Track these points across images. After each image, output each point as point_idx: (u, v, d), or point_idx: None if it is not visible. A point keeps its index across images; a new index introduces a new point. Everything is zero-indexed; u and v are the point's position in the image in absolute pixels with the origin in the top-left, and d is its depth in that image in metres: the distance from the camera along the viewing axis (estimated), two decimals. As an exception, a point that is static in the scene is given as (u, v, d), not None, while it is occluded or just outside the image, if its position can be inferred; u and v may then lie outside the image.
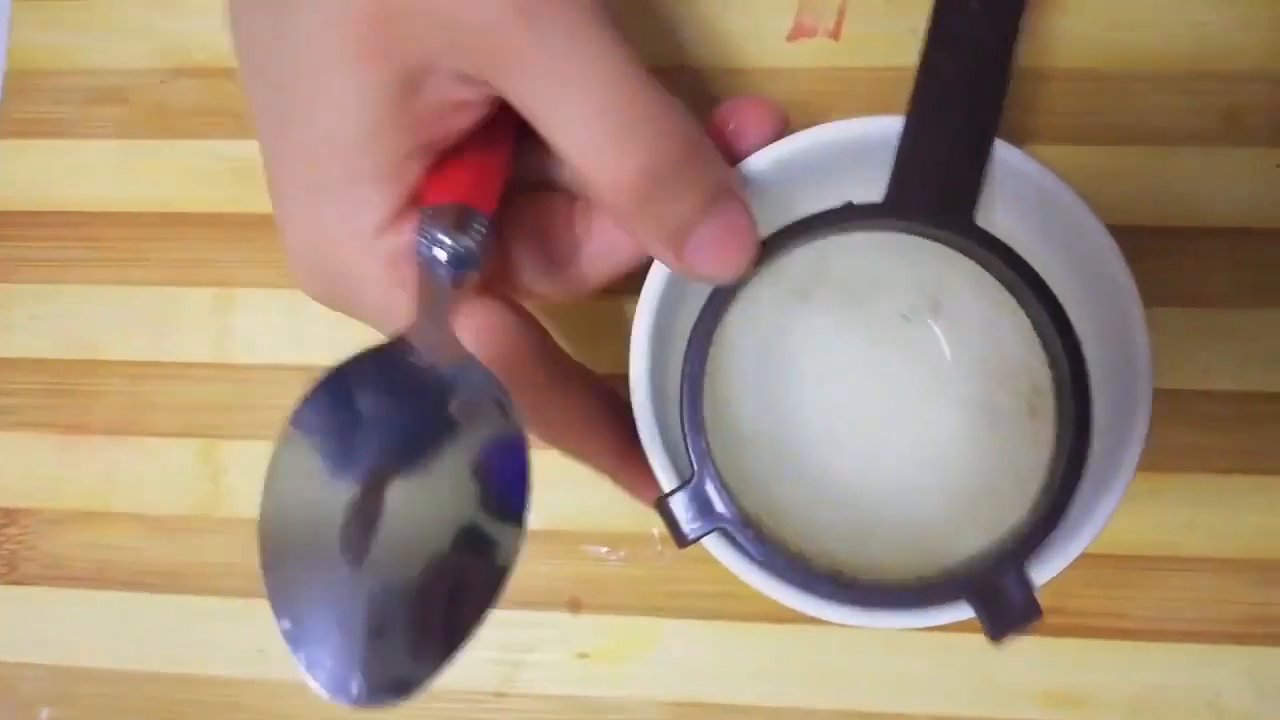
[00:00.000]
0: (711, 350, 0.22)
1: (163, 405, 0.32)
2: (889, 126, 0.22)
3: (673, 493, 0.22)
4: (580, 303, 0.25)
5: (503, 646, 0.30)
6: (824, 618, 0.22)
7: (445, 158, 0.22)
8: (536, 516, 0.30)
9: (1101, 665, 0.29)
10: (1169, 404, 0.29)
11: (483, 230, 0.21)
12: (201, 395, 0.32)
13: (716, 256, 0.20)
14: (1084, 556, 0.28)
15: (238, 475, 0.31)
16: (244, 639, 0.31)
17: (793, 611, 0.29)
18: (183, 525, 0.31)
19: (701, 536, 0.22)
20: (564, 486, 0.30)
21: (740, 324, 0.24)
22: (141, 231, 0.32)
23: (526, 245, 0.24)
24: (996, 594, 0.21)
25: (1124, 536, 0.29)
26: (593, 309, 0.31)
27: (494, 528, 0.20)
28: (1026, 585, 0.21)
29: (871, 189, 0.22)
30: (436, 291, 0.21)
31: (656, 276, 0.24)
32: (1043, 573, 0.22)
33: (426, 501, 0.20)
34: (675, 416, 0.22)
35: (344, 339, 0.31)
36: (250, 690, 0.30)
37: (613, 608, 0.30)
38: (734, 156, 0.23)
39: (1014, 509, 0.22)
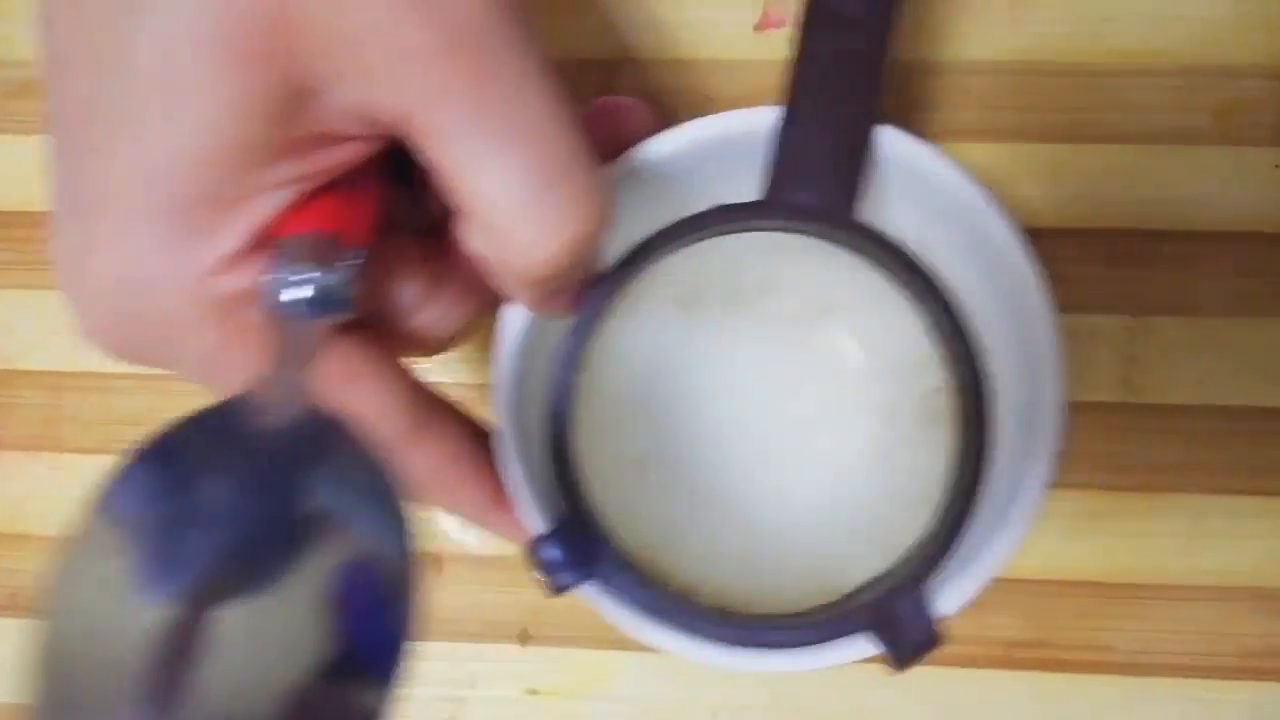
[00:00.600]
0: (587, 372, 0.20)
1: (81, 419, 0.29)
2: (770, 118, 0.20)
3: (542, 539, 0.20)
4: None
5: (446, 682, 0.28)
6: (711, 664, 0.20)
7: (314, 195, 0.18)
8: (484, 542, 0.28)
9: (1089, 703, 0.26)
10: (1161, 419, 0.27)
11: (353, 265, 0.18)
12: (123, 408, 0.29)
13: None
14: (1068, 584, 0.27)
15: (160, 495, 0.29)
16: (165, 673, 0.28)
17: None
18: (100, 549, 0.29)
19: (573, 586, 0.20)
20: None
21: (622, 340, 0.22)
22: (63, 233, 0.30)
23: (384, 288, 0.21)
24: (895, 624, 0.19)
25: (1112, 562, 0.27)
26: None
27: (371, 653, 0.15)
28: (923, 611, 0.19)
29: (754, 185, 0.20)
30: (293, 339, 0.17)
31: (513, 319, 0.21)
32: (951, 598, 0.20)
33: (273, 624, 0.15)
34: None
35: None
36: (171, 729, 0.28)
37: (565, 640, 0.28)
38: (604, 157, 0.21)
39: (917, 525, 0.20)
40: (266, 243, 0.18)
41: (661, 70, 0.30)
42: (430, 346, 0.21)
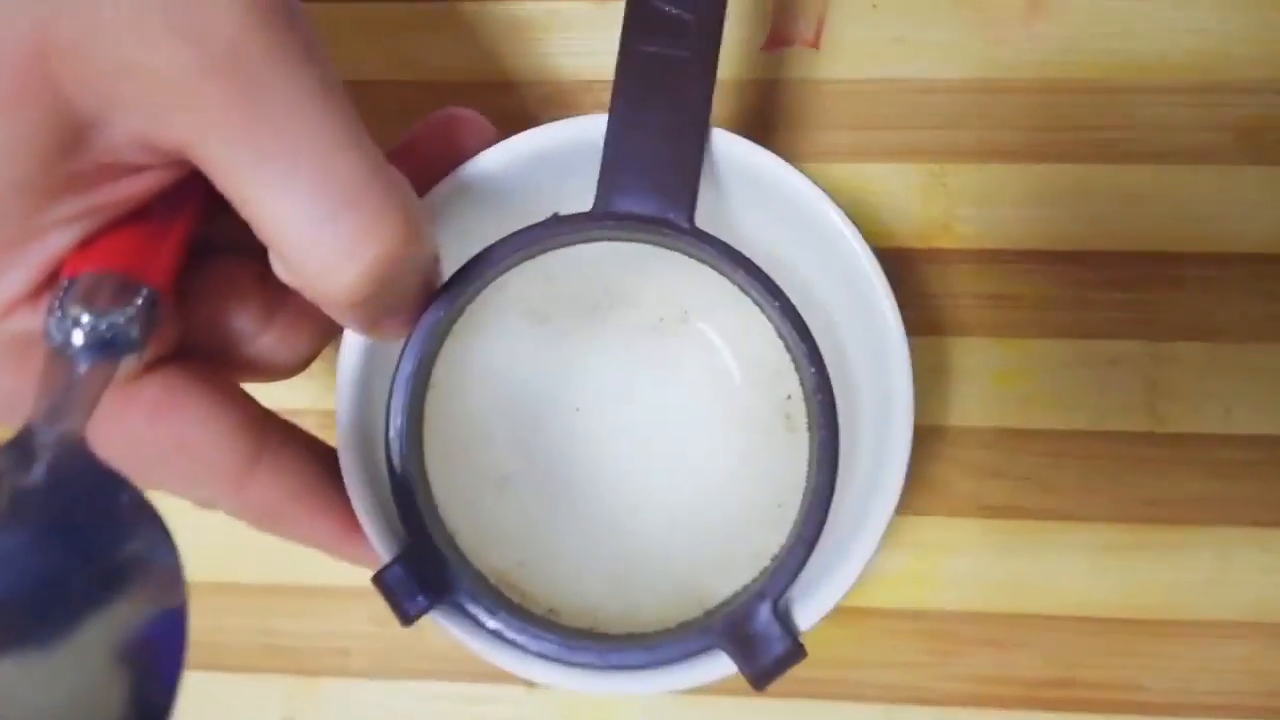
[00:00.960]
0: (435, 391, 0.20)
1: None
2: (602, 126, 0.20)
3: (389, 566, 0.19)
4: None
5: (449, 724, 0.27)
6: (571, 687, 0.20)
7: (112, 227, 0.17)
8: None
9: (1118, 746, 0.26)
10: (1188, 449, 0.26)
11: (145, 305, 0.17)
12: (115, 445, 0.28)
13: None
14: (1094, 621, 0.26)
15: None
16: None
17: (775, 683, 0.26)
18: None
19: (423, 613, 0.19)
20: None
21: (474, 358, 0.22)
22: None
23: (216, 314, 0.20)
24: (752, 639, 0.18)
25: (1139, 598, 0.26)
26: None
27: (147, 710, 0.14)
28: (785, 624, 0.19)
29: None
30: (72, 383, 0.16)
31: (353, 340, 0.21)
32: (809, 612, 0.20)
33: (50, 678, 0.14)
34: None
35: None
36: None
37: (572, 680, 0.27)
38: (439, 171, 0.21)
39: (777, 533, 0.20)
40: (57, 281, 0.17)
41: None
42: (275, 371, 0.21)
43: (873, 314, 0.20)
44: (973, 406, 0.27)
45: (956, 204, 0.28)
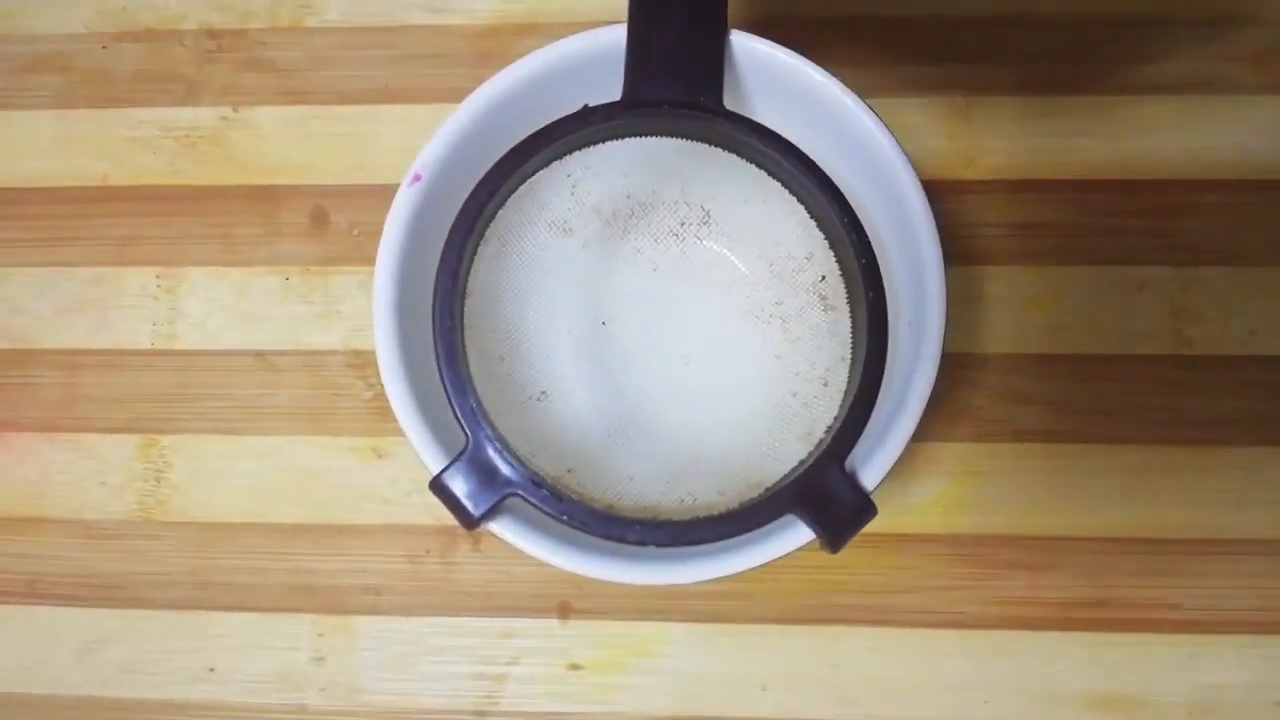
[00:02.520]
0: (469, 302, 0.20)
1: (100, 398, 0.28)
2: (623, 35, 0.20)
3: (446, 468, 0.19)
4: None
5: (483, 659, 0.27)
6: (639, 581, 0.20)
7: None
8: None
9: (1155, 663, 0.26)
10: (1213, 370, 0.26)
11: None
12: (142, 385, 0.28)
13: None
14: (1125, 541, 0.26)
15: (182, 473, 0.28)
16: (191, 656, 0.27)
17: (808, 612, 0.26)
18: (121, 530, 0.28)
19: (491, 510, 0.19)
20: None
21: (508, 270, 0.22)
22: (78, 208, 0.29)
23: None
24: (823, 499, 0.19)
25: (1169, 518, 0.26)
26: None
27: None
28: (852, 482, 0.19)
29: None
30: None
31: (392, 237, 0.21)
32: (873, 471, 0.20)
33: None
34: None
35: (297, 317, 0.29)
36: (199, 715, 0.27)
37: (605, 612, 0.27)
38: None
39: (827, 410, 0.20)
40: None
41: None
42: None
43: (895, 192, 0.21)
44: (1002, 333, 0.27)
45: (981, 136, 0.28)
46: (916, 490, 0.27)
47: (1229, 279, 0.27)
